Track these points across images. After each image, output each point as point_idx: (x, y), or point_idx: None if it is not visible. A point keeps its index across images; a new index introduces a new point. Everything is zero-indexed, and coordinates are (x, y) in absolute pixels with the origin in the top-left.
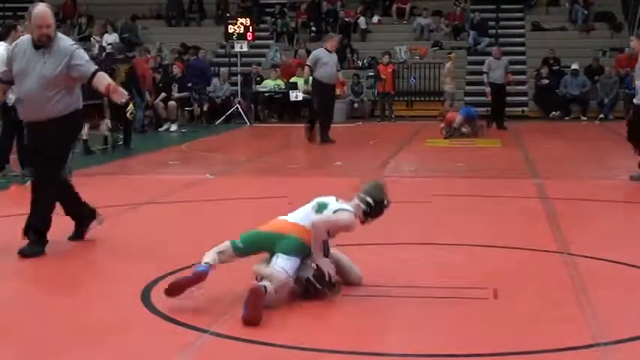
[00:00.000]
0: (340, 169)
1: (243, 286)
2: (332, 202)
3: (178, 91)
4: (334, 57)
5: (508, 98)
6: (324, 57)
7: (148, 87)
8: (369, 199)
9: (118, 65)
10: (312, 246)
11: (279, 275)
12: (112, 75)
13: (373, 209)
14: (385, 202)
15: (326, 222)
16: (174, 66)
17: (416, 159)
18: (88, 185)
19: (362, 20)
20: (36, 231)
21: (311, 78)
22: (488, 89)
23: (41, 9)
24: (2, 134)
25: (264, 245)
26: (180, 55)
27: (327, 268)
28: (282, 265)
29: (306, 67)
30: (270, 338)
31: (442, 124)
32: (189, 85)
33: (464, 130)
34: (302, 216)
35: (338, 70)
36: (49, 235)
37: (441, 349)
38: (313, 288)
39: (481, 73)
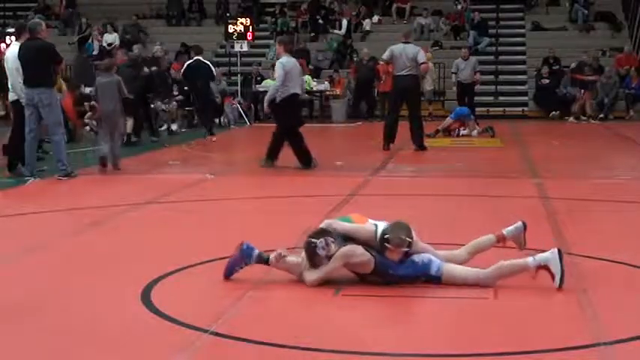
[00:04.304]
0: (340, 169)
1: (242, 286)
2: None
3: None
4: None
5: (503, 98)
6: None
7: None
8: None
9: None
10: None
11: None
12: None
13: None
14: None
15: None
16: (172, 68)
17: (416, 159)
18: (89, 184)
19: (368, 22)
20: None
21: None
22: (455, 87)
23: None
24: (16, 134)
25: None
26: (179, 53)
27: (310, 278)
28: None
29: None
30: (270, 338)
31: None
32: (185, 88)
33: (463, 132)
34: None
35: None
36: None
37: (441, 349)
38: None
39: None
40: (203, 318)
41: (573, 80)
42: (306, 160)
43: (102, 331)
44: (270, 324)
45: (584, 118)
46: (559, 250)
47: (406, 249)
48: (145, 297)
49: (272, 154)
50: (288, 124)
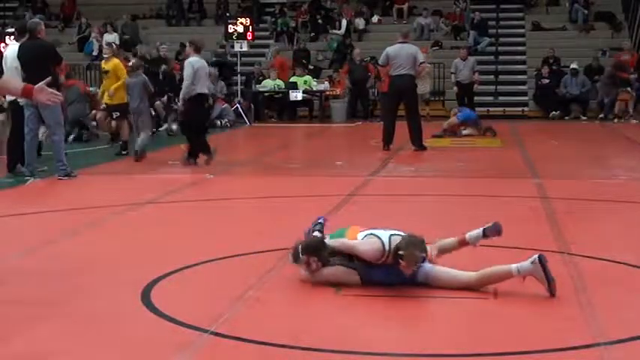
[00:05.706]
0: (340, 169)
1: (242, 286)
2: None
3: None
4: None
5: (503, 98)
6: None
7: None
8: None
9: None
10: None
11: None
12: None
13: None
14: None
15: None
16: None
17: (416, 159)
18: (89, 184)
19: (361, 21)
20: None
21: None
22: (455, 88)
23: None
24: (14, 134)
25: None
26: (179, 54)
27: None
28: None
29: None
30: (270, 338)
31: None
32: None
33: (464, 132)
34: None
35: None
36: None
37: (441, 349)
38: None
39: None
40: (203, 318)
41: (614, 79)
42: (204, 151)
43: (102, 331)
44: (270, 324)
45: (585, 118)
46: (540, 258)
47: (420, 264)
48: (145, 297)
49: (205, 150)
50: (194, 120)
